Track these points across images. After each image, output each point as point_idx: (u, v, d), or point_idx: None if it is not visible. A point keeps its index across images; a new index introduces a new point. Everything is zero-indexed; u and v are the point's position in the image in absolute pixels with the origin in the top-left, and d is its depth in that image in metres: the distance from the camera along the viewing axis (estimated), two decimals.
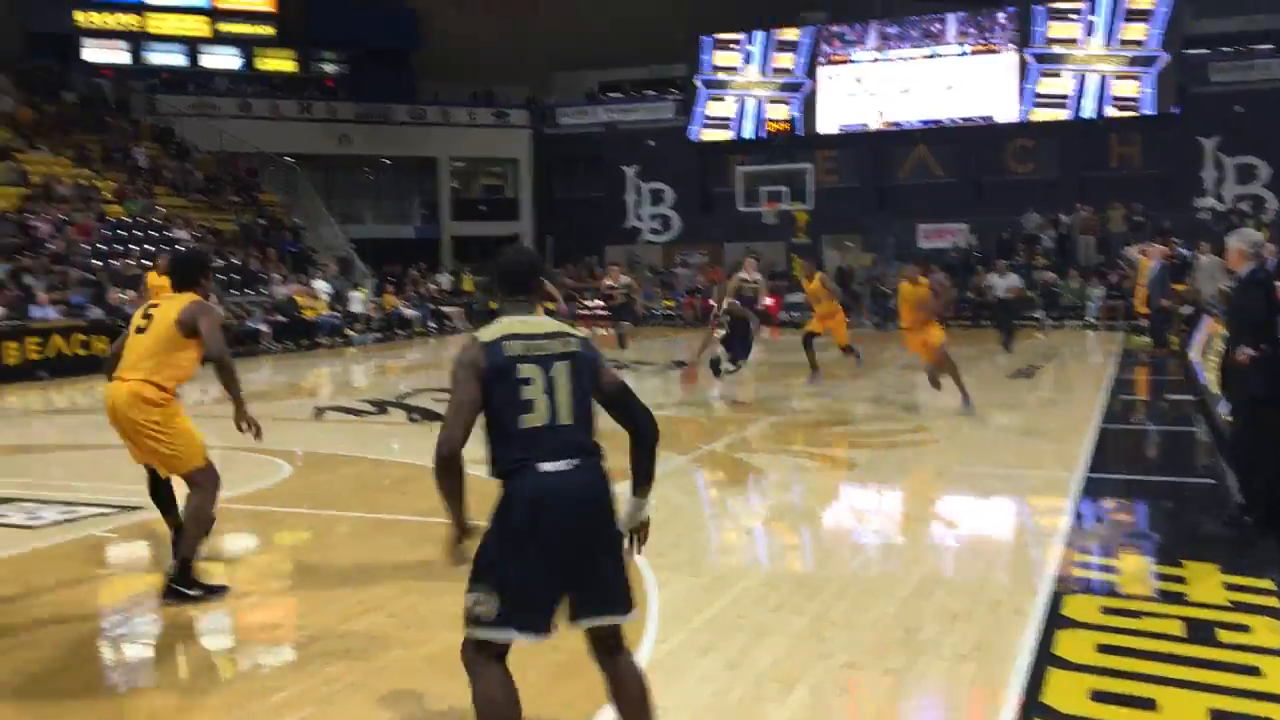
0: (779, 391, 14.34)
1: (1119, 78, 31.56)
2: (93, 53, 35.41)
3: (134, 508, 7.73)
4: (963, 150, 33.41)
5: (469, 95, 38.03)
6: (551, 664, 4.36)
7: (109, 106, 32.56)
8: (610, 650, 3.43)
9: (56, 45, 33.91)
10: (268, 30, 37.58)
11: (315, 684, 4.51)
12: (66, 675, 4.72)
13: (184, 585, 5.44)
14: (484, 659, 3.29)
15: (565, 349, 3.41)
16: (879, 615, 5.25)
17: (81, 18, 35.01)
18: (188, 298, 5.65)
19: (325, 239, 31.45)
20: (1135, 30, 31.37)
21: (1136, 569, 6.05)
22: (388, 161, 38.21)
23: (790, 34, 34.93)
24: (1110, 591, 5.61)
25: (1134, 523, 7.40)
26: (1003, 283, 16.84)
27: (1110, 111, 31.74)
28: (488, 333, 3.40)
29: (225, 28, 37.09)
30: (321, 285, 25.79)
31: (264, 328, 22.80)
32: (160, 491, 6.03)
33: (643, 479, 3.51)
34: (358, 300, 26.11)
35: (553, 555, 3.22)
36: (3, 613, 5.48)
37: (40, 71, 31.57)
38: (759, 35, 35.08)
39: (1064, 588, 5.59)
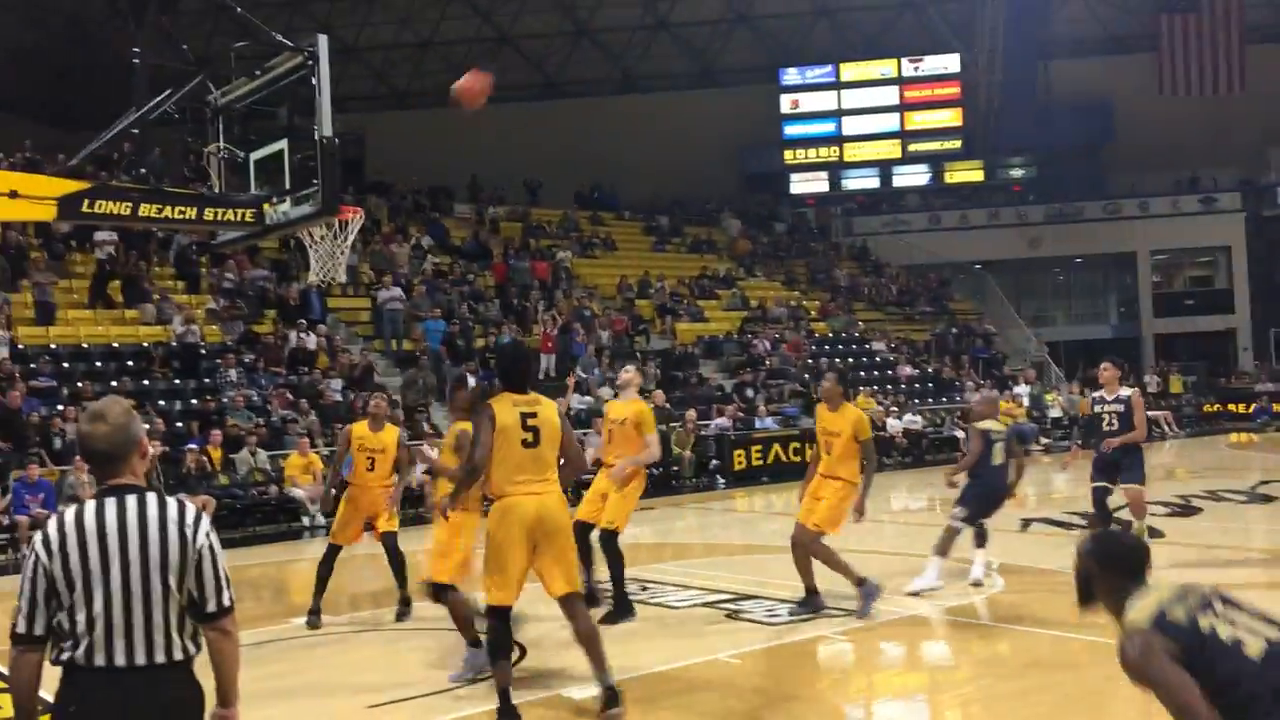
0: None
1: None
2: (798, 185, 39.24)
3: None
4: None
5: (1170, 183, 35.62)
6: None
7: (812, 232, 35.94)
8: None
9: (769, 183, 38.39)
10: (955, 144, 38.72)
11: None
12: None
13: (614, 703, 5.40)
14: None
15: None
16: None
17: (790, 155, 39.03)
18: (546, 400, 5.60)
19: (1015, 343, 31.18)
20: None
21: None
22: (1079, 260, 37.04)
23: None
24: None
25: None
26: None
27: None
28: (1139, 615, 2.92)
29: (915, 147, 38.90)
30: (1022, 390, 25.43)
31: (960, 435, 22.94)
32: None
33: None
34: (1056, 405, 25.37)
35: None
36: (756, 705, 5.92)
37: (756, 207, 35.85)
38: None
39: None
